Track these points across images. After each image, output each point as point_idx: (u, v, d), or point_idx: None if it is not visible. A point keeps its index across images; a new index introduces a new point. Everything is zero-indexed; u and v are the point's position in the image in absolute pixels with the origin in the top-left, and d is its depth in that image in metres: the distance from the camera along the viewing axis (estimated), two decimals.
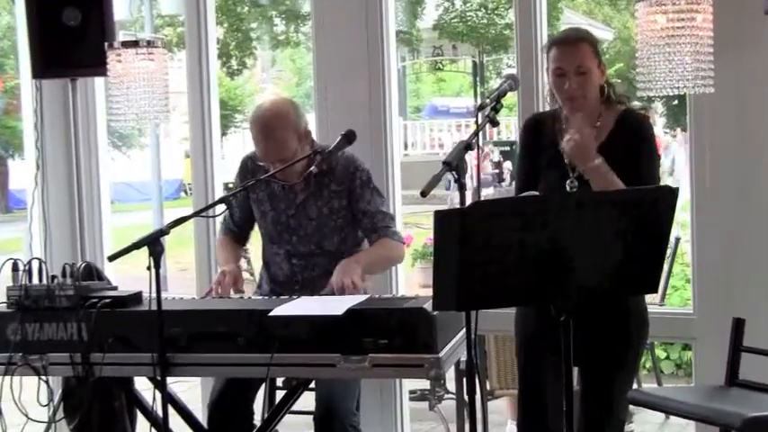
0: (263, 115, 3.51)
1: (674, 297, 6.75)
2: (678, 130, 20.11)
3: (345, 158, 3.60)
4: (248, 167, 3.71)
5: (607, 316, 3.05)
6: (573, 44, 3.11)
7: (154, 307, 2.89)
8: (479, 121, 2.82)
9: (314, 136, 3.74)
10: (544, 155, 3.19)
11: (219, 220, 3.97)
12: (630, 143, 3.09)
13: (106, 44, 4.20)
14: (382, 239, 3.60)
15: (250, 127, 3.56)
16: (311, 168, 3.38)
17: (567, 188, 3.11)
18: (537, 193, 3.00)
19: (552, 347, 2.83)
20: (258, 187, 3.67)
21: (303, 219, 3.62)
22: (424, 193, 2.55)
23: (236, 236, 3.84)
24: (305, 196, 3.61)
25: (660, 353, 6.62)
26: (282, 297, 3.37)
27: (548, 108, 3.38)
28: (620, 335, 3.10)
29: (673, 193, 2.44)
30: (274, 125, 3.49)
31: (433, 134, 22.64)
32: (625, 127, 3.13)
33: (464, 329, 2.71)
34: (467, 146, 2.67)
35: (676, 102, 19.69)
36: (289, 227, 3.64)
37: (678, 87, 3.15)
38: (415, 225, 12.64)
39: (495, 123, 2.87)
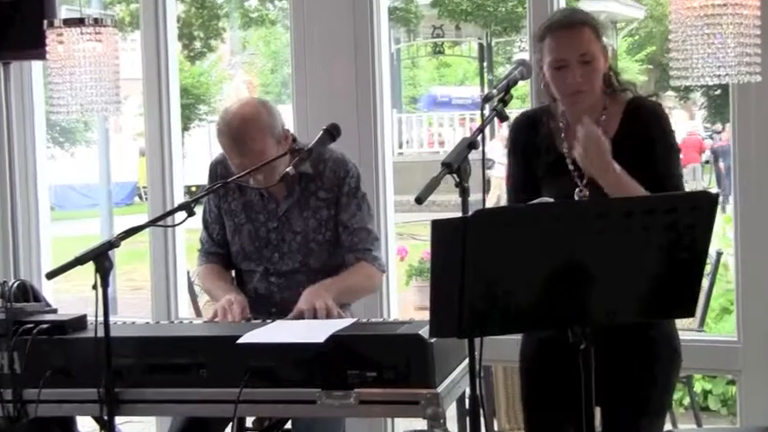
0: (232, 124, 3.47)
1: (720, 322, 6.76)
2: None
3: (335, 161, 3.60)
4: (218, 173, 3.69)
5: (629, 346, 3.03)
6: (573, 29, 3.08)
7: (100, 333, 2.89)
8: (486, 114, 2.82)
9: (292, 131, 3.73)
10: (541, 159, 3.18)
11: (182, 231, 3.94)
12: (644, 136, 3.08)
13: (45, 22, 4.20)
14: (361, 264, 3.61)
15: (218, 138, 3.53)
16: (287, 169, 3.35)
17: (577, 198, 3.09)
18: (550, 199, 2.99)
19: (560, 381, 2.84)
20: (230, 195, 3.66)
21: (287, 232, 3.61)
22: (419, 200, 2.55)
23: (224, 259, 3.76)
24: (288, 206, 3.60)
25: (700, 386, 6.63)
26: (254, 321, 3.37)
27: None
28: (644, 370, 3.07)
29: (712, 199, 2.45)
30: (246, 134, 3.45)
31: (433, 129, 22.69)
32: (635, 118, 3.12)
33: (467, 359, 2.71)
34: (470, 144, 2.66)
35: (719, 92, 19.78)
36: (269, 242, 3.63)
37: (719, 76, 3.15)
38: (410, 236, 12.65)
39: (503, 117, 2.87)
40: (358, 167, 3.66)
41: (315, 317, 3.33)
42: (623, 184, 2.99)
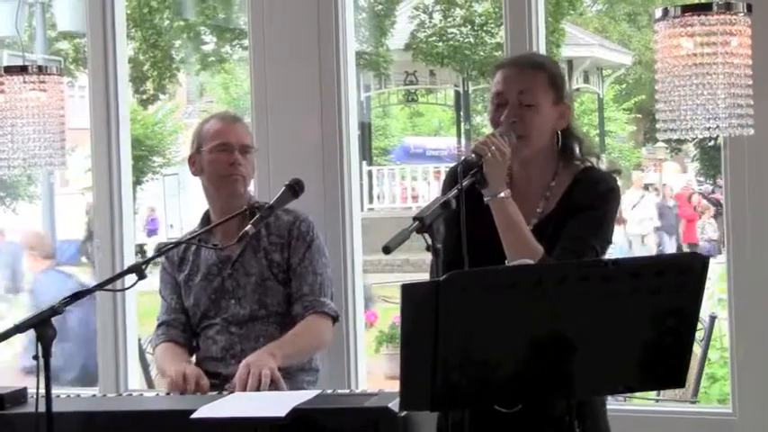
0: (227, 111, 3.73)
1: (712, 390, 6.78)
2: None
3: (285, 210, 3.75)
4: (169, 256, 3.88)
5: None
6: (522, 68, 3.14)
7: (42, 408, 2.86)
8: (461, 179, 2.82)
9: (251, 186, 3.91)
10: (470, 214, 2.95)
11: (134, 294, 3.94)
12: (582, 204, 3.09)
13: None
14: (308, 319, 3.71)
15: (210, 123, 3.86)
16: (246, 228, 3.40)
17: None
18: (530, 261, 3.00)
19: None
20: (184, 264, 3.86)
21: (242, 276, 3.78)
22: (387, 249, 2.55)
23: (181, 325, 3.86)
24: (241, 249, 3.77)
25: None
26: (210, 393, 3.37)
27: None
28: None
29: (702, 261, 2.48)
30: (239, 118, 3.94)
31: (406, 183, 22.72)
32: (580, 186, 3.13)
33: None
34: (444, 203, 2.67)
35: (712, 143, 19.90)
36: (225, 290, 3.79)
37: (709, 128, 3.14)
38: (382, 299, 12.59)
39: (483, 183, 2.90)
40: (310, 219, 3.83)
41: (258, 387, 3.37)
42: (510, 211, 3.00)
